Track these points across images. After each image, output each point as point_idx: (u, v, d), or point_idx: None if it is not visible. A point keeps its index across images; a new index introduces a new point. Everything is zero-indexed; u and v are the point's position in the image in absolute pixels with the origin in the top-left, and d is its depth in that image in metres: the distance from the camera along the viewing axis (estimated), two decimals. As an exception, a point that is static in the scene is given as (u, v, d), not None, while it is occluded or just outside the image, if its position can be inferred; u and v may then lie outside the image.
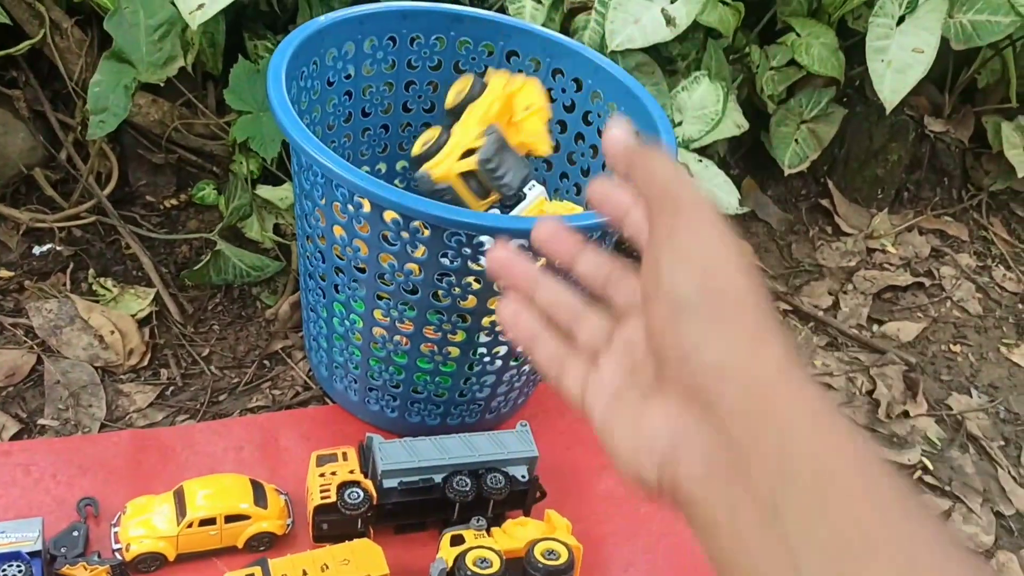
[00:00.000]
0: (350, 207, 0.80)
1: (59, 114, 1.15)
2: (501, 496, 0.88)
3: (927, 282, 1.37)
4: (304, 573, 0.80)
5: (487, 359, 0.92)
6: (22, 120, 1.13)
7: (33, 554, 0.77)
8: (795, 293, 1.32)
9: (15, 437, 0.91)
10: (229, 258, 1.08)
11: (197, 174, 1.20)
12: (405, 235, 0.79)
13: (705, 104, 1.23)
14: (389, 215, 0.79)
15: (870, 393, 1.16)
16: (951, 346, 1.27)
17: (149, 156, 1.17)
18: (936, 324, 1.30)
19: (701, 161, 1.23)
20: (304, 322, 1.02)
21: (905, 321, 1.29)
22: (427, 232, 0.78)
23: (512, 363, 0.94)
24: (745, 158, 1.46)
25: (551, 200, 0.99)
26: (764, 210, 1.45)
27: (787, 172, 1.39)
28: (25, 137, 1.13)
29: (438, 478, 0.88)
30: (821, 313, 1.28)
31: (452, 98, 0.96)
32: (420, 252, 0.80)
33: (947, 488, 1.05)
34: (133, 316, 1.03)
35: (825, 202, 1.49)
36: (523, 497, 0.91)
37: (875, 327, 1.28)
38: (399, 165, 1.09)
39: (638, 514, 0.96)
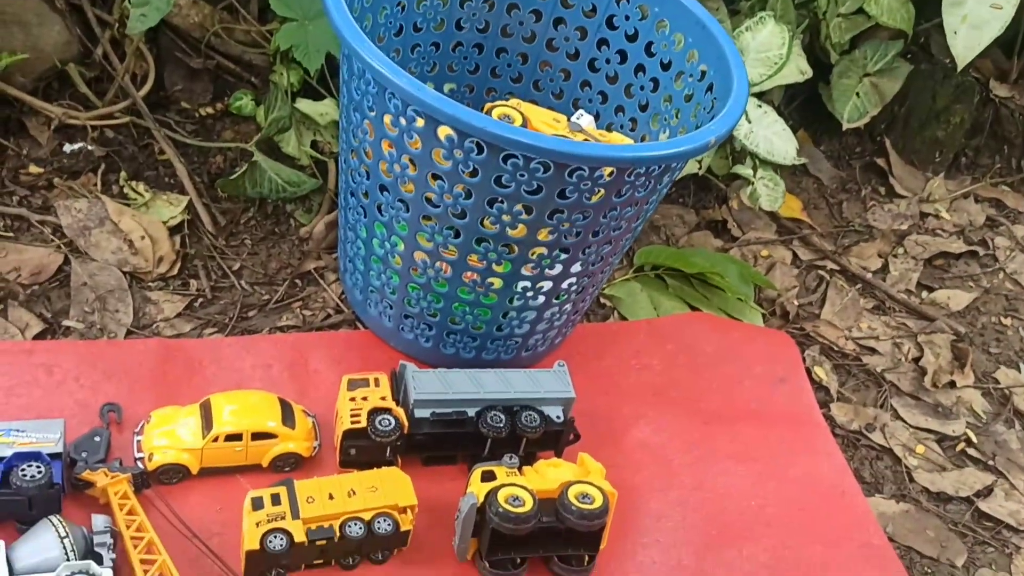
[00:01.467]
0: (402, 120, 0.76)
1: (96, 9, 1.10)
2: (535, 435, 0.85)
3: (981, 251, 1.32)
4: (330, 497, 0.77)
5: (530, 294, 0.88)
6: (58, 13, 1.09)
7: (53, 456, 0.75)
8: (843, 253, 1.27)
9: (38, 337, 0.89)
10: (265, 171, 1.04)
11: (235, 83, 1.15)
12: (458, 154, 0.75)
13: (769, 47, 1.17)
14: (443, 131, 0.74)
15: (916, 360, 1.12)
16: (1002, 318, 1.22)
17: (187, 60, 1.12)
18: (988, 295, 1.25)
19: (760, 107, 1.17)
20: (340, 242, 0.98)
21: (956, 290, 1.25)
22: (482, 152, 0.74)
23: (555, 300, 0.90)
24: (800, 110, 1.40)
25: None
26: (816, 165, 1.40)
27: (845, 127, 1.34)
28: (60, 31, 1.09)
29: (471, 412, 0.85)
30: (870, 275, 1.24)
31: None
32: (472, 174, 0.76)
33: (990, 463, 1.02)
34: (164, 223, 1.00)
35: (880, 161, 1.43)
36: (557, 438, 0.88)
37: (924, 294, 1.24)
38: (447, 87, 1.04)
39: (672, 466, 0.93)
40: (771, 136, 1.16)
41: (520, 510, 0.76)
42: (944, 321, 1.19)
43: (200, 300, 0.96)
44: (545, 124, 0.91)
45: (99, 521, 0.73)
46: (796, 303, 1.17)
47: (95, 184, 1.02)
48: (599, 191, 0.77)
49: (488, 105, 0.92)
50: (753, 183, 1.17)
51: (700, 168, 1.16)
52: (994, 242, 1.34)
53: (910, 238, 1.32)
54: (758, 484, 0.93)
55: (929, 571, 0.90)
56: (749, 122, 1.15)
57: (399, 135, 0.77)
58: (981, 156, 1.50)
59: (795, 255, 1.25)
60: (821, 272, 1.23)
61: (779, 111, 1.23)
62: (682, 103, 0.92)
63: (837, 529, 0.90)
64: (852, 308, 1.19)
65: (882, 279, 1.25)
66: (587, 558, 0.81)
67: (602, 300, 1.10)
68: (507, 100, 0.93)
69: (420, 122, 0.75)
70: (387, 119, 0.77)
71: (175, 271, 0.97)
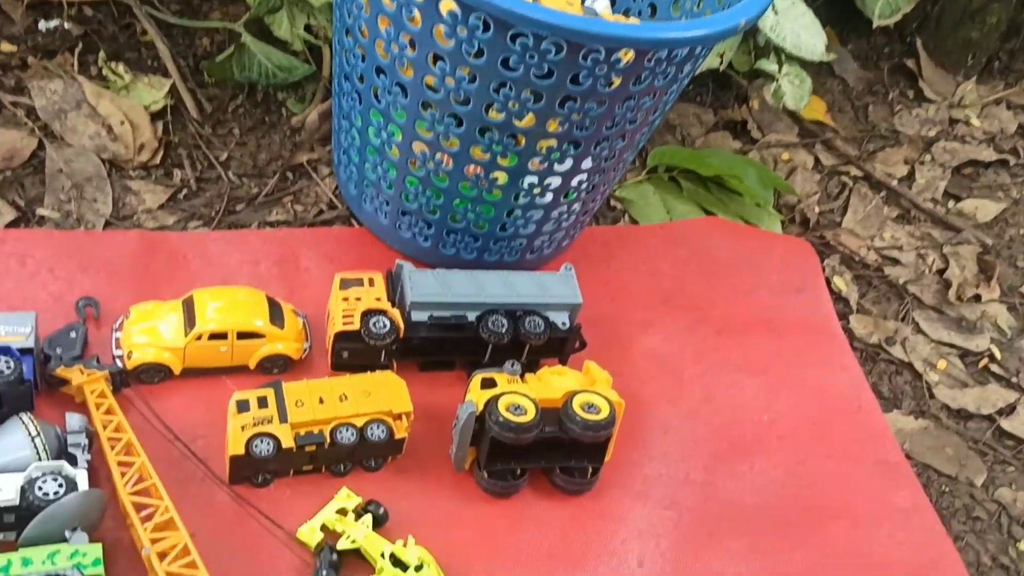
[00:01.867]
0: (401, -7, 0.69)
1: None
2: (539, 342, 0.81)
3: (1011, 161, 1.25)
4: (321, 401, 0.73)
5: (537, 191, 0.82)
6: None
7: (24, 351, 0.70)
8: (868, 159, 1.20)
9: (11, 225, 0.83)
10: (255, 54, 0.97)
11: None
12: (462, 32, 0.68)
13: (800, -68, 1.08)
14: (446, 5, 0.67)
15: (940, 272, 1.07)
16: (1031, 231, 1.16)
17: (171, -68, 1.04)
18: (1017, 206, 1.19)
19: (788, -3, 1.09)
20: (335, 132, 0.91)
21: (984, 200, 1.18)
22: (488, 30, 0.67)
23: (563, 199, 0.84)
24: (827, 5, 1.31)
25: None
26: (842, 65, 1.32)
27: (876, 24, 1.25)
28: None
29: (472, 316, 0.80)
30: (895, 183, 1.17)
31: None
32: (477, 55, 0.69)
33: (1014, 380, 0.97)
34: (146, 108, 0.93)
35: (910, 63, 1.35)
36: (562, 345, 0.83)
37: (951, 203, 1.17)
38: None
39: (681, 376, 0.89)
40: (799, 29, 1.08)
41: (522, 419, 0.72)
42: (971, 232, 1.13)
43: (184, 191, 0.90)
44: (558, 4, 0.84)
45: (74, 420, 0.68)
46: (817, 210, 1.11)
47: (72, 64, 0.95)
48: (616, 78, 0.71)
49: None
50: (778, 80, 1.09)
51: (721, 63, 1.09)
52: (1026, 151, 1.27)
53: (938, 145, 1.25)
54: (771, 397, 0.89)
55: (947, 489, 0.87)
56: (776, 13, 1.07)
57: (397, 10, 0.70)
58: (1016, 60, 1.41)
59: (817, 160, 1.19)
60: (844, 178, 1.17)
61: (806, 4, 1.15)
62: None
63: (852, 444, 0.86)
64: (875, 216, 1.13)
65: (908, 187, 1.18)
66: (591, 470, 0.77)
67: (613, 202, 1.04)
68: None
69: (420, -6, 0.67)
70: (384, -9, 0.70)
71: (157, 160, 0.91)
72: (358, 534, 0.69)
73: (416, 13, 0.69)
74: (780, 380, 0.90)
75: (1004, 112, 1.33)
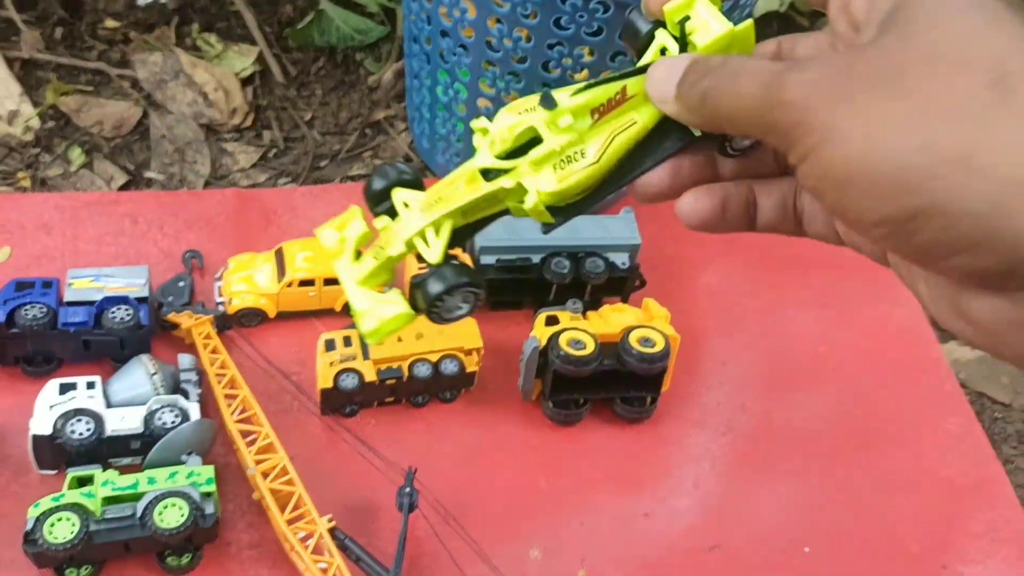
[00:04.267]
0: (458, -39, 0.74)
1: None
2: (599, 281, 0.86)
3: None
4: (399, 339, 0.80)
5: (595, 139, 0.87)
6: None
7: (140, 299, 0.79)
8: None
9: (123, 188, 0.92)
10: (332, 19, 1.04)
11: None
12: (516, -5, 0.73)
13: None
14: (500, -29, 0.72)
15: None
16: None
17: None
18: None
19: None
20: (407, 90, 0.98)
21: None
22: (540, -7, 0.72)
23: (621, 145, 0.89)
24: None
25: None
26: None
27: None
28: None
29: (536, 258, 0.86)
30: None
31: None
32: (532, 16, 0.74)
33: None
34: (237, 75, 1.01)
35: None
36: (622, 284, 0.89)
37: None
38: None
39: (739, 310, 0.93)
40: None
41: (581, 353, 0.78)
42: None
43: (274, 151, 0.98)
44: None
45: (185, 359, 0.77)
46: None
47: (169, 37, 1.03)
48: (663, 30, 0.75)
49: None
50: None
51: (782, 4, 1.10)
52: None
53: None
54: (828, 330, 0.92)
55: (1000, 416, 0.90)
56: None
57: (456, -23, 0.75)
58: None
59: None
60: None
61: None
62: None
63: (907, 374, 0.90)
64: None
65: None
66: (649, 399, 0.83)
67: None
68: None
69: (476, -38, 0.73)
70: (443, -40, 0.75)
71: (249, 122, 0.99)
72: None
73: (474, -21, 0.74)
74: (837, 315, 0.94)
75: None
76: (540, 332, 0.80)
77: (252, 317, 0.83)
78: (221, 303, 0.83)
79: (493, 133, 0.38)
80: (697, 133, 0.37)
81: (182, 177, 0.94)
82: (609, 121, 0.37)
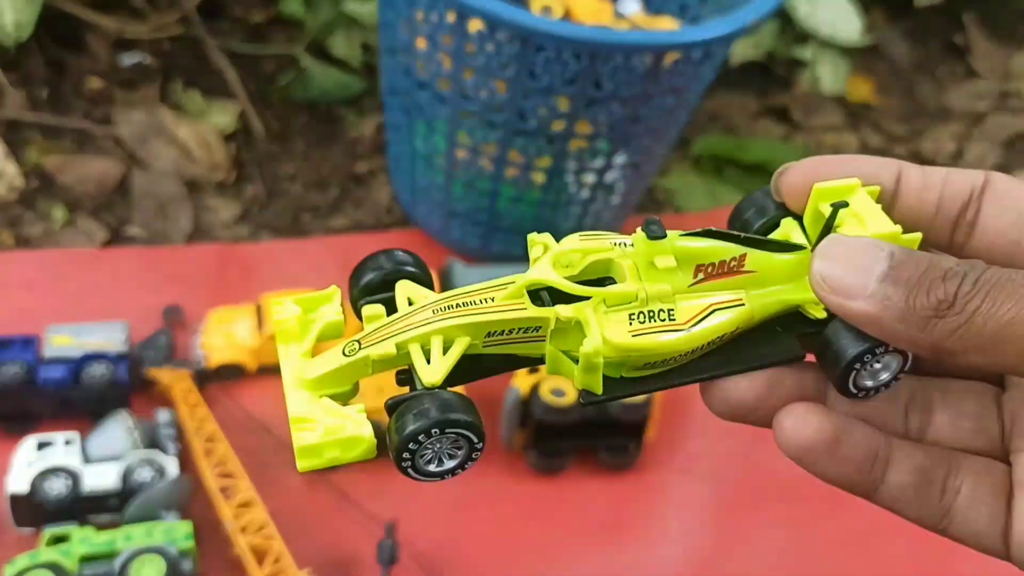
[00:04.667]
0: (433, 16, 0.75)
1: (147, -81, 1.11)
2: (581, 329, 0.86)
3: (1066, 130, 1.25)
4: (380, 389, 0.79)
5: (573, 188, 0.88)
6: (110, -75, 1.10)
7: (119, 356, 0.79)
8: (916, 137, 1.22)
9: (105, 244, 0.93)
10: (314, 75, 1.05)
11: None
12: (490, 48, 0.74)
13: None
14: (474, 25, 0.73)
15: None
16: (1085, 201, 1.16)
17: (237, -33, 1.13)
18: (1071, 177, 1.19)
19: (823, -16, 1.12)
20: (388, 143, 0.99)
21: (1036, 172, 1.19)
22: (513, 43, 0.73)
23: (600, 194, 0.90)
24: (873, -13, 1.33)
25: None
26: (890, 45, 1.33)
27: (917, 4, 1.26)
28: (114, -57, 1.10)
29: (518, 306, 0.86)
30: (941, 159, 1.19)
31: None
32: (505, 67, 0.75)
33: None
34: (219, 131, 1.02)
35: (959, 39, 1.35)
36: (604, 331, 0.88)
37: (1001, 177, 1.18)
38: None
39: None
40: (833, 15, 1.11)
41: (562, 401, 0.78)
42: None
43: (256, 205, 0.99)
44: (588, 13, 0.89)
45: (164, 415, 0.77)
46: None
47: (153, 95, 1.04)
48: (635, 81, 0.76)
49: (530, -5, 0.91)
50: (813, 65, 1.12)
51: (757, 52, 1.12)
52: (1081, 120, 1.26)
53: (989, 119, 1.25)
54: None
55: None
56: (809, 1, 1.10)
57: (431, 30, 0.77)
58: (1074, 28, 1.40)
59: (863, 141, 1.21)
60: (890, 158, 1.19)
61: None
62: (730, -16, 0.88)
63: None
64: (921, 194, 1.15)
65: (956, 163, 1.19)
66: (633, 447, 0.83)
67: (658, 194, 1.09)
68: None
69: (451, 16, 0.74)
70: (419, 15, 0.77)
71: (231, 178, 1.00)
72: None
73: (448, 32, 0.75)
74: (821, 357, 0.94)
75: (1060, 81, 1.33)
76: (521, 381, 0.80)
77: (232, 371, 0.83)
78: (201, 357, 0.83)
79: (557, 251, 0.30)
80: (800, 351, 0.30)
81: (164, 233, 0.94)
82: (712, 289, 0.30)
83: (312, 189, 1.01)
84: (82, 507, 0.72)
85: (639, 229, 0.29)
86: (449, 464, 0.29)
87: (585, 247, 0.29)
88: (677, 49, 0.73)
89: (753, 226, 0.32)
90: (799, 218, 0.31)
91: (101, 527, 0.70)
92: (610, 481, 0.82)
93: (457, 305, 0.29)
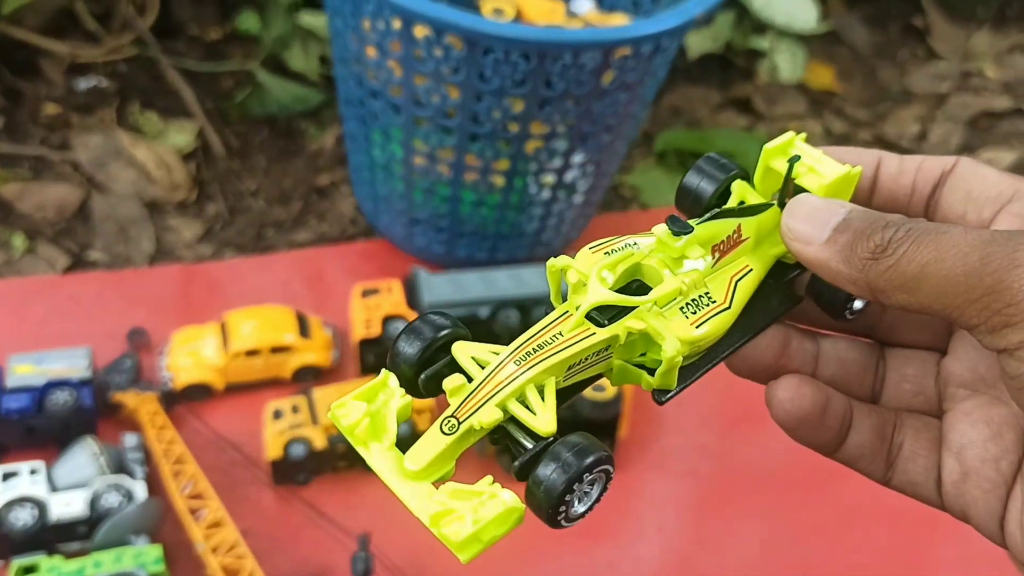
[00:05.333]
0: (380, 24, 0.75)
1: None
2: (549, 330, 0.86)
3: (1028, 107, 1.25)
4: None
5: (533, 189, 0.88)
6: (60, -51, 1.09)
7: (83, 382, 0.78)
8: (879, 121, 1.22)
9: (67, 270, 0.92)
10: (271, 90, 1.05)
11: (240, 4, 1.15)
12: (438, 52, 0.74)
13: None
14: (420, 31, 0.73)
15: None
16: (1049, 176, 1.16)
17: (190, -15, 1.12)
18: (1034, 153, 1.20)
19: (777, -26, 1.12)
20: (348, 154, 0.98)
21: (1000, 150, 1.19)
22: (461, 47, 0.73)
23: (561, 193, 0.90)
24: (831, -26, 1.34)
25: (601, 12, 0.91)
26: (849, 31, 1.34)
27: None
28: (64, -32, 1.10)
29: (484, 311, 0.86)
30: (905, 142, 1.19)
31: None
32: (455, 71, 0.75)
33: None
34: (178, 151, 1.01)
35: (918, 22, 1.36)
36: (572, 331, 0.88)
37: (966, 156, 1.18)
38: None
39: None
40: (789, 4, 1.11)
41: (531, 403, 0.77)
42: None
43: (219, 223, 0.98)
44: (540, 14, 0.89)
45: (130, 439, 0.76)
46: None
47: (110, 118, 1.04)
48: (586, 79, 0.76)
49: (480, -2, 0.90)
50: (768, 55, 1.12)
51: (714, 44, 1.12)
52: (1042, 96, 1.27)
53: (951, 99, 1.26)
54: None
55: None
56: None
57: (379, 38, 0.76)
58: (1032, 4, 1.41)
59: (827, 127, 1.21)
60: (855, 143, 1.19)
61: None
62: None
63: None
64: (886, 178, 1.15)
65: (920, 144, 1.20)
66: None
67: (623, 191, 1.09)
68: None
69: (397, 23, 0.73)
70: (366, 23, 0.76)
71: (193, 197, 0.99)
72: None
73: (395, 39, 0.75)
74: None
75: (1019, 59, 1.33)
76: (490, 385, 0.80)
77: (199, 391, 0.82)
78: (167, 379, 0.82)
79: (597, 267, 0.30)
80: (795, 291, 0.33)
81: (126, 256, 0.93)
82: (728, 263, 0.32)
83: (275, 204, 1.01)
84: (50, 536, 0.71)
85: (663, 227, 0.30)
86: (593, 496, 0.29)
87: (613, 260, 0.30)
88: (625, 45, 0.73)
89: (707, 194, 0.34)
90: (745, 178, 0.34)
91: (70, 555, 0.69)
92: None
93: (533, 351, 0.29)
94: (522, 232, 0.92)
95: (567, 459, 0.27)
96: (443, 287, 0.86)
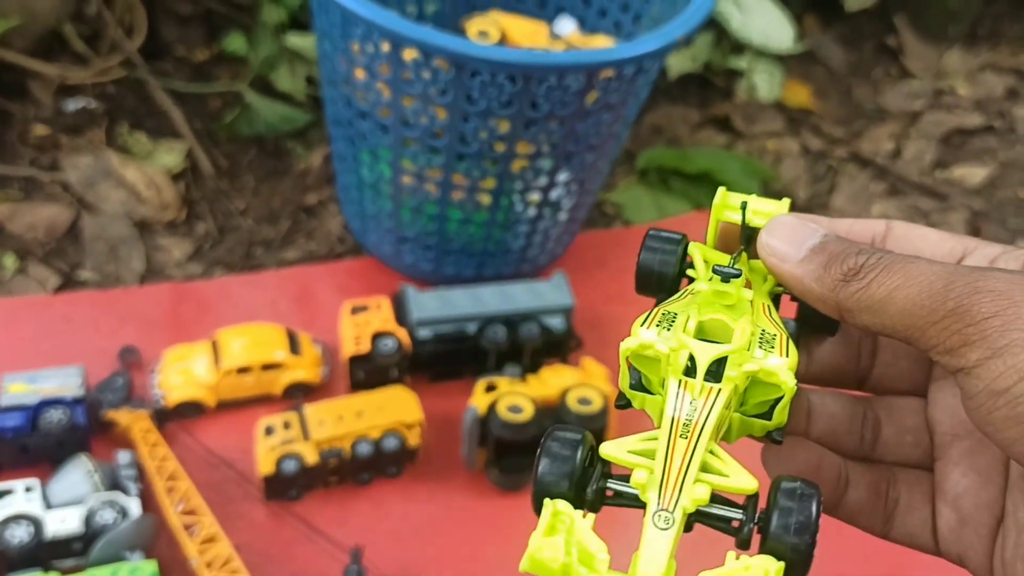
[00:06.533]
0: (369, 47, 0.77)
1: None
2: (536, 345, 0.88)
3: (998, 124, 1.28)
4: (340, 418, 0.81)
5: (519, 207, 0.89)
6: (48, -27, 1.11)
7: (76, 400, 0.79)
8: (854, 138, 1.25)
9: (58, 290, 0.93)
10: (259, 110, 1.06)
11: (227, 26, 1.16)
12: (426, 75, 0.76)
13: (760, -67, 1.14)
14: (409, 54, 0.75)
15: (928, 240, 1.11)
16: (1018, 192, 1.19)
17: (177, 8, 1.14)
18: (1005, 168, 1.23)
19: (754, -4, 1.15)
20: (336, 173, 1.00)
21: (972, 166, 1.22)
22: (449, 70, 0.75)
23: (546, 211, 0.91)
24: (806, -5, 1.37)
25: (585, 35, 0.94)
26: (824, 51, 1.37)
27: (848, 9, 1.30)
28: (53, -10, 1.11)
29: (472, 327, 0.87)
30: (880, 159, 1.22)
31: None
32: (442, 93, 0.77)
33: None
34: (168, 171, 1.02)
35: (891, 41, 1.39)
36: (560, 346, 0.90)
37: (939, 172, 1.22)
38: (429, 8, 1.04)
39: (678, 363, 0.95)
40: (766, 25, 1.14)
41: (519, 417, 0.79)
42: (959, 198, 1.17)
43: (209, 242, 0.99)
44: (525, 36, 0.91)
45: (124, 456, 0.77)
46: (805, 193, 1.16)
47: (100, 139, 1.05)
48: (570, 100, 0.78)
49: (465, 20, 0.93)
50: (749, 74, 1.15)
51: (694, 64, 1.15)
52: (1012, 113, 1.30)
53: (924, 117, 1.29)
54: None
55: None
56: (741, 12, 1.13)
57: (368, 61, 0.78)
58: (1002, 23, 1.44)
59: (804, 145, 1.24)
60: (831, 160, 1.22)
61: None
62: (660, 2, 0.91)
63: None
64: (863, 193, 1.18)
65: (895, 161, 1.23)
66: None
67: (607, 208, 1.11)
68: (486, 14, 0.93)
69: (385, 46, 0.75)
70: (355, 46, 0.78)
71: (182, 216, 1.00)
72: None
73: (384, 62, 0.77)
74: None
75: (991, 77, 1.37)
76: (479, 400, 0.81)
77: (191, 409, 0.83)
78: (159, 397, 0.83)
79: (665, 346, 0.30)
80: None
81: (117, 275, 0.94)
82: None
83: (263, 223, 1.02)
84: (46, 553, 0.71)
85: (712, 279, 0.32)
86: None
87: (681, 321, 0.31)
88: (609, 67, 0.75)
89: (669, 268, 0.35)
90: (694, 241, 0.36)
91: (66, 572, 0.70)
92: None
93: (685, 425, 0.29)
94: (508, 249, 0.94)
95: (796, 509, 0.28)
96: (431, 304, 0.87)
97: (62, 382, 0.80)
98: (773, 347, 0.31)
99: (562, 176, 0.87)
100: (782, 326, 0.33)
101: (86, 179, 1.00)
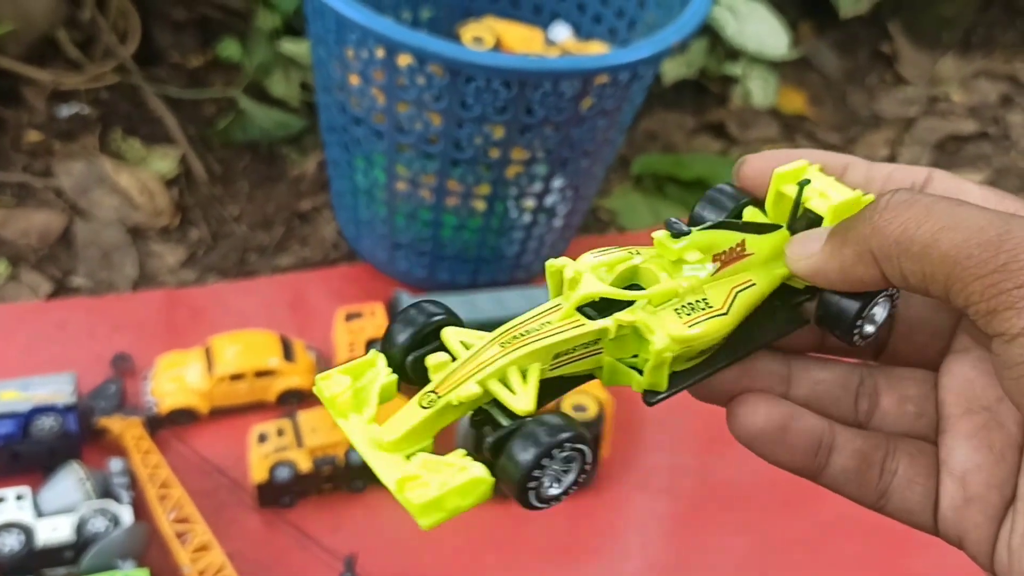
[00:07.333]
0: (363, 53, 0.76)
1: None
2: (530, 351, 0.87)
3: (992, 131, 1.28)
4: (334, 425, 0.80)
5: (514, 213, 0.89)
6: (42, -22, 1.10)
7: (68, 407, 0.78)
8: (849, 145, 1.25)
9: (51, 296, 0.92)
10: (253, 116, 1.06)
11: (221, 32, 1.16)
12: (420, 81, 0.76)
13: (754, -60, 1.14)
14: (403, 60, 0.75)
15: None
16: (1014, 197, 1.19)
17: (171, 13, 1.13)
18: (999, 175, 1.23)
19: (749, 1, 1.15)
20: (330, 179, 1.00)
21: (967, 172, 1.22)
22: (443, 77, 0.75)
23: (541, 217, 0.91)
24: (801, 1, 1.37)
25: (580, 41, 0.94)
26: (819, 58, 1.37)
27: (843, 16, 1.30)
28: (46, -4, 1.11)
29: (466, 334, 0.87)
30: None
31: None
32: (437, 99, 0.77)
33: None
34: (161, 177, 1.02)
35: (886, 48, 1.39)
36: (554, 352, 0.90)
37: (933, 179, 1.22)
38: (424, 15, 1.04)
39: (673, 370, 0.94)
40: (760, 31, 1.14)
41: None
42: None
43: (202, 248, 0.99)
44: (520, 42, 0.91)
45: (116, 464, 0.77)
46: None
47: (93, 145, 1.04)
48: (565, 106, 0.78)
49: (460, 26, 0.92)
50: (741, 81, 1.15)
51: (689, 70, 1.15)
52: (1006, 119, 1.31)
53: (919, 123, 1.29)
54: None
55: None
56: (736, 19, 1.13)
57: (363, 67, 0.78)
58: (996, 30, 1.45)
59: (799, 151, 1.24)
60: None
61: (779, 5, 1.20)
62: (654, 8, 0.91)
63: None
64: (857, 200, 1.18)
65: (889, 168, 1.23)
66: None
67: (602, 214, 1.11)
68: (480, 20, 0.93)
69: (380, 52, 0.75)
70: (349, 52, 0.78)
71: (175, 222, 1.00)
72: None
73: (379, 67, 0.77)
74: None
75: (985, 84, 1.37)
76: (473, 406, 0.81)
77: (184, 416, 0.83)
78: (152, 404, 0.82)
79: (593, 262, 0.30)
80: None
81: (110, 282, 0.94)
82: (729, 275, 0.32)
83: (257, 229, 1.02)
84: (37, 562, 0.71)
85: (662, 232, 0.31)
86: (567, 481, 0.28)
87: (611, 259, 0.30)
88: (604, 73, 0.75)
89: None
90: (758, 204, 0.34)
91: (56, 581, 0.70)
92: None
93: (520, 335, 0.29)
94: (503, 255, 0.94)
95: (539, 434, 0.27)
96: (426, 310, 0.87)
97: (54, 389, 0.80)
98: (690, 315, 0.30)
99: (557, 182, 0.87)
100: (735, 307, 0.31)
101: (79, 185, 1.00)
